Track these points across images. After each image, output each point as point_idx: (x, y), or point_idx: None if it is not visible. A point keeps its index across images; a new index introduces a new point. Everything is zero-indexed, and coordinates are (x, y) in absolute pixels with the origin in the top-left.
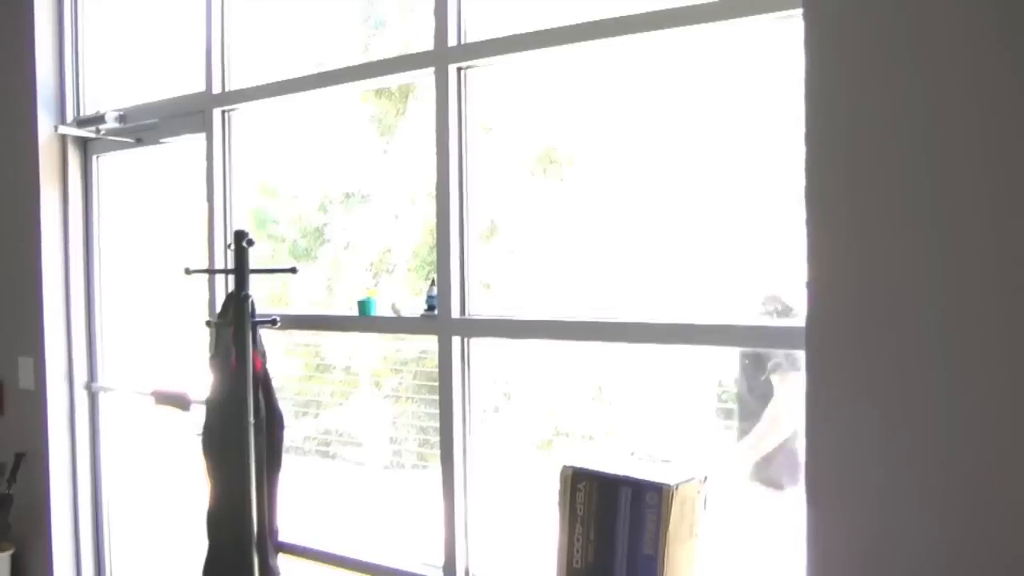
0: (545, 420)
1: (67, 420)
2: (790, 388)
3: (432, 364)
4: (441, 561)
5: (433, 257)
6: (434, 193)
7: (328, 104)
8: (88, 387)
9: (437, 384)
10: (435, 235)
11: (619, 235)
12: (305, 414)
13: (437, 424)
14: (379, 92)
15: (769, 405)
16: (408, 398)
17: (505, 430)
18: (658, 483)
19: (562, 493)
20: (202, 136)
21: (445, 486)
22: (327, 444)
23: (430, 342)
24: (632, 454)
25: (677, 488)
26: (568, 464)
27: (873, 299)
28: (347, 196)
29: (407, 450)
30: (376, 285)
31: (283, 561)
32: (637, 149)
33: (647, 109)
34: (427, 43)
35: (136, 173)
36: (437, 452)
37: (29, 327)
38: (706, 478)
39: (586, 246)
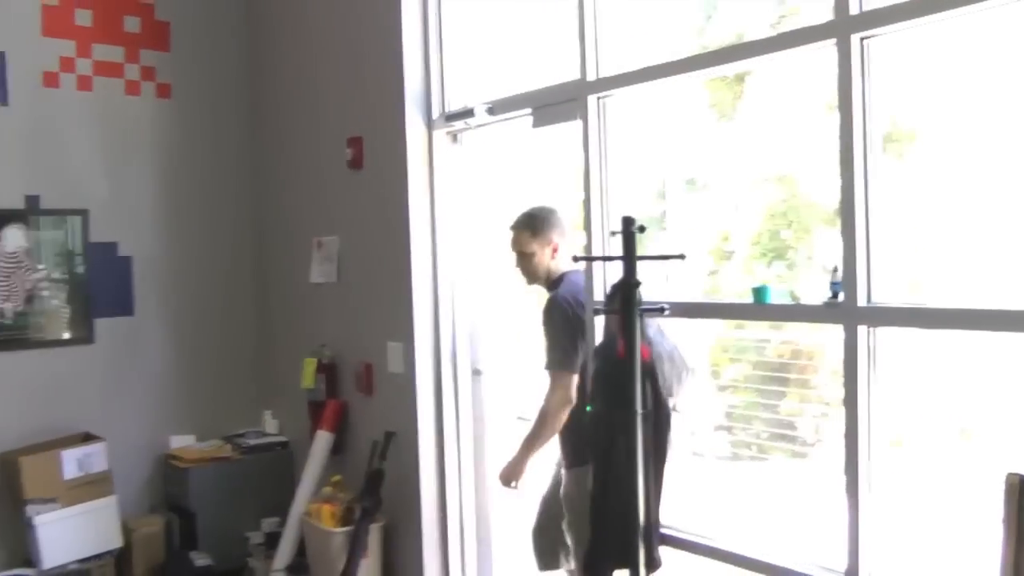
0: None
1: (434, 402)
2: None
3: (775, 353)
4: (843, 566)
5: (775, 244)
6: (774, 178)
7: (668, 91)
8: (455, 371)
9: (779, 375)
10: (792, 216)
11: (980, 216)
12: None
13: (777, 416)
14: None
15: None
16: (746, 388)
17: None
18: None
19: (1008, 504)
20: (570, 124)
21: (849, 488)
22: None
23: (772, 331)
24: None
25: None
26: (1014, 472)
27: None
28: (688, 183)
29: (743, 441)
30: (714, 273)
31: (664, 552)
32: (990, 124)
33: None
34: (765, 27)
35: (501, 162)
36: (779, 445)
37: (399, 314)
38: None
39: (944, 228)
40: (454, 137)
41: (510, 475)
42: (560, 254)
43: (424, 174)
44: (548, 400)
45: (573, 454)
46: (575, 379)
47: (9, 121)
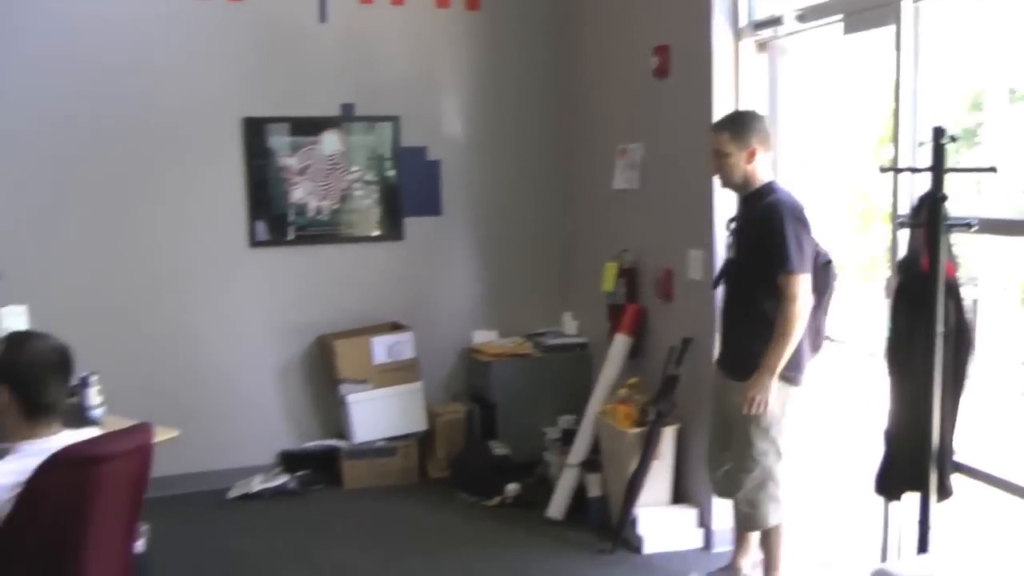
0: None
1: None
2: None
3: None
4: None
5: None
6: None
7: None
8: None
9: None
10: None
11: None
12: None
13: None
14: None
15: None
16: None
17: None
18: None
19: None
20: (884, 30)
21: None
22: None
23: None
24: None
25: None
26: None
27: None
28: (1009, 93)
29: None
30: None
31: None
32: None
33: None
34: None
35: (809, 70)
36: None
37: (700, 223)
38: None
39: None
40: (761, 45)
41: (759, 403)
42: (758, 160)
43: (730, 83)
44: (791, 304)
45: (747, 364)
46: (810, 280)
47: (327, 37)
